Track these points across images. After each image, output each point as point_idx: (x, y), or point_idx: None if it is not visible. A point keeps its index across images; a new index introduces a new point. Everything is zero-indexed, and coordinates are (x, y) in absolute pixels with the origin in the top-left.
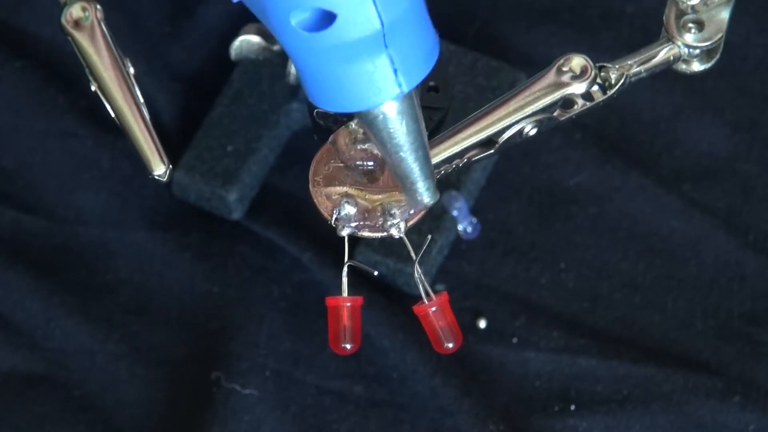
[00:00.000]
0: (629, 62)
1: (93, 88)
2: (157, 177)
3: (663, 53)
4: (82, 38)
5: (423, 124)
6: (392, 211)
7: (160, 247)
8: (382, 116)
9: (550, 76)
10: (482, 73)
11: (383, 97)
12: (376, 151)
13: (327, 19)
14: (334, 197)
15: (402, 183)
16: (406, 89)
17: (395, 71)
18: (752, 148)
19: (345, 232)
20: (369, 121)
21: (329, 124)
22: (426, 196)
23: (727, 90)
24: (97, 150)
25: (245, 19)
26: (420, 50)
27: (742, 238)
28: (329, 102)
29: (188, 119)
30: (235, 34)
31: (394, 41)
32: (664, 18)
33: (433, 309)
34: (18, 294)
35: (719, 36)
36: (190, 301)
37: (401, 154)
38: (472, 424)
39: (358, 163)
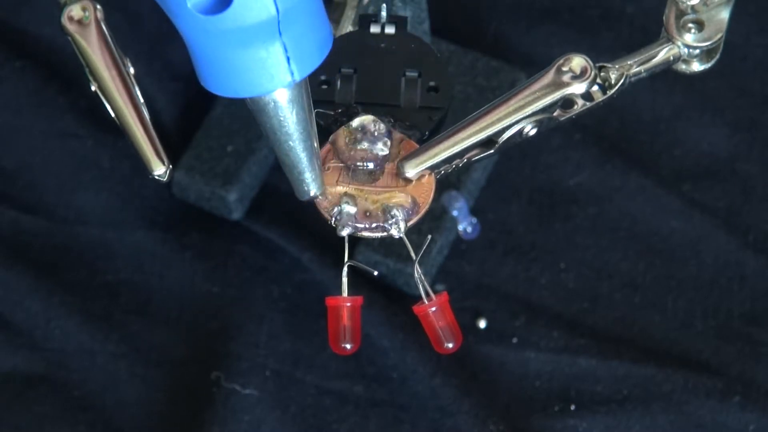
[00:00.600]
0: (629, 62)
1: (93, 88)
2: (157, 177)
3: (663, 53)
4: (82, 38)
5: (313, 115)
6: (392, 211)
7: (160, 247)
8: (273, 104)
9: (550, 76)
10: (482, 73)
11: (275, 84)
12: (376, 152)
13: (223, 2)
14: (334, 197)
15: (289, 173)
16: (298, 77)
17: (288, 59)
18: (752, 148)
19: (345, 232)
20: (260, 109)
21: (329, 124)
22: (313, 186)
23: (727, 90)
24: (97, 150)
25: None
26: (314, 40)
27: (742, 238)
28: (221, 87)
29: (188, 119)
30: None
31: (289, 29)
32: (664, 18)
33: (433, 309)
34: (18, 294)
35: (719, 36)
36: (190, 301)
37: (290, 143)
38: (472, 424)
39: (358, 163)
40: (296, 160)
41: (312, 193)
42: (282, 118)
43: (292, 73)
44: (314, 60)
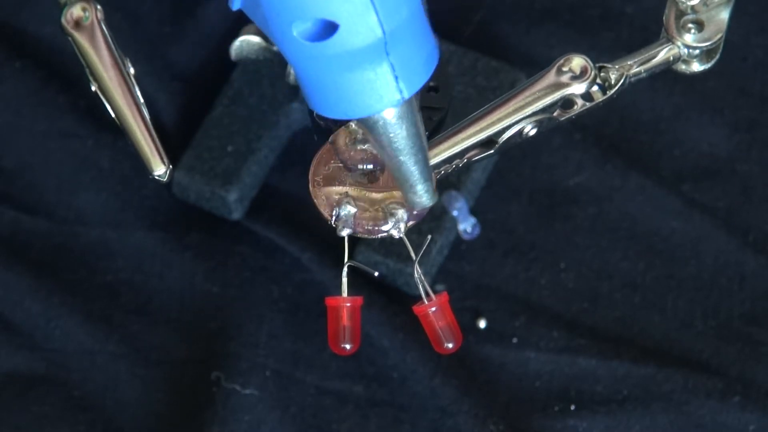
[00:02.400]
0: (629, 62)
1: (93, 88)
2: (157, 177)
3: (663, 53)
4: (82, 38)
5: (422, 128)
6: (392, 211)
7: (160, 247)
8: (382, 122)
9: (550, 77)
10: (482, 73)
11: (384, 103)
12: (375, 152)
13: (329, 28)
14: (334, 197)
15: (401, 185)
16: (407, 95)
17: (396, 78)
18: (752, 148)
19: (345, 232)
20: (369, 126)
21: (329, 124)
22: (426, 198)
23: (727, 90)
24: (97, 150)
25: (245, 20)
26: (420, 56)
27: (742, 238)
28: (330, 109)
29: (188, 119)
30: (235, 34)
31: (395, 49)
32: (664, 18)
33: (433, 309)
34: (18, 294)
35: (719, 36)
36: (190, 301)
37: (401, 157)
38: (472, 424)
39: (358, 165)
40: (408, 174)
41: (425, 204)
42: (392, 135)
43: (401, 92)
44: (422, 76)
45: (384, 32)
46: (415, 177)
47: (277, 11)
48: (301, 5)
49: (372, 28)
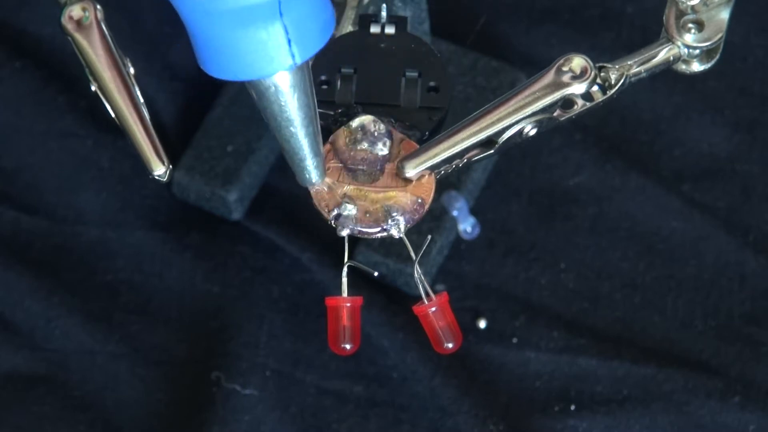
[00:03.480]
0: (629, 62)
1: (93, 88)
2: (157, 177)
3: (663, 53)
4: (82, 38)
5: (314, 100)
6: (393, 213)
7: (160, 247)
8: (273, 88)
9: (550, 76)
10: (482, 73)
11: (275, 66)
12: (376, 152)
13: None
14: (334, 198)
15: (290, 160)
16: (299, 60)
17: (289, 41)
18: (752, 148)
19: (345, 232)
20: (260, 93)
21: (329, 124)
22: (314, 174)
23: (727, 90)
24: (97, 150)
25: None
26: (315, 22)
27: (742, 238)
28: (221, 69)
29: (188, 119)
30: None
31: (290, 10)
32: (664, 18)
33: (433, 309)
34: (18, 294)
35: (719, 36)
36: (190, 301)
37: (291, 128)
38: (472, 424)
39: (358, 165)
40: (297, 147)
41: (314, 181)
42: (283, 103)
43: (293, 56)
44: (316, 43)
45: None
46: (304, 151)
47: None
48: None
49: None
